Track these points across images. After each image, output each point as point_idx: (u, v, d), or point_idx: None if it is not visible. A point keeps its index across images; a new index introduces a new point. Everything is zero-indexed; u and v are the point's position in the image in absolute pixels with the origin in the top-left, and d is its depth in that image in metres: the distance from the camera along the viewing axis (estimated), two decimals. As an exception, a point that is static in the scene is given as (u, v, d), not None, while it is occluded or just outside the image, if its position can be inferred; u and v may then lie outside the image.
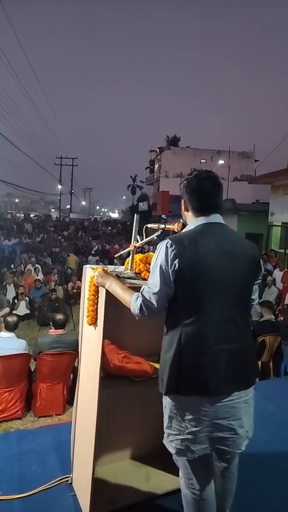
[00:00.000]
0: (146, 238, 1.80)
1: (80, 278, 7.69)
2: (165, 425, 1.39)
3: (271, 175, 11.91)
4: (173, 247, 1.29)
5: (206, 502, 1.42)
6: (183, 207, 1.48)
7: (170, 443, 1.38)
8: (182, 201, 1.47)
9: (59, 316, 3.90)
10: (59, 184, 41.41)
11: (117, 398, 2.00)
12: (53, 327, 3.85)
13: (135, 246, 1.78)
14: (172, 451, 1.39)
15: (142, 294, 1.36)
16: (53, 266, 10.16)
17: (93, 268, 1.75)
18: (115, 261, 6.75)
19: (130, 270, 1.78)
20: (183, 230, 1.48)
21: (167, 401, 1.38)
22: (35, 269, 9.43)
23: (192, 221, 1.45)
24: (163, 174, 30.33)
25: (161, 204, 23.31)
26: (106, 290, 1.58)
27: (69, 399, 3.66)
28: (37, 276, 9.05)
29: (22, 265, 9.86)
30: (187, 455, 1.34)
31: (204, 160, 29.74)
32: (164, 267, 1.30)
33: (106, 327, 1.64)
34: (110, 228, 27.71)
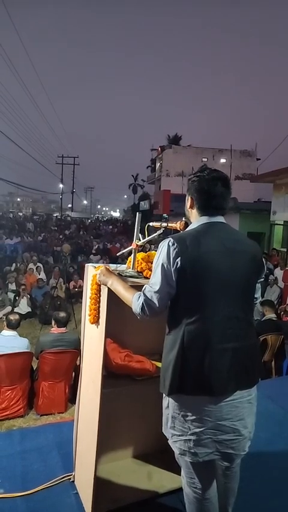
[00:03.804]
0: (148, 236, 1.80)
1: (81, 277, 7.70)
2: (168, 426, 1.38)
3: (273, 174, 11.87)
4: (175, 246, 1.29)
5: (208, 501, 1.42)
6: (188, 204, 1.46)
7: (174, 444, 1.37)
8: (188, 197, 1.45)
9: (62, 314, 3.90)
10: (60, 184, 41.42)
11: (119, 396, 2.00)
12: (55, 325, 3.85)
13: (137, 245, 1.78)
14: (176, 451, 1.38)
15: (144, 293, 1.35)
16: (54, 265, 10.18)
17: (95, 267, 1.75)
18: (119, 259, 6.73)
19: (132, 269, 1.78)
20: (186, 229, 1.48)
21: (169, 402, 1.37)
22: (36, 268, 9.44)
23: (195, 220, 1.44)
24: (164, 173, 30.27)
25: (162, 203, 23.28)
26: (108, 289, 1.58)
27: (71, 397, 3.66)
28: (39, 274, 9.06)
29: (24, 264, 9.88)
30: (191, 457, 1.33)
31: (205, 159, 29.65)
32: (165, 266, 1.30)
33: (108, 325, 1.64)
34: (111, 227, 27.71)
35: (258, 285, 1.48)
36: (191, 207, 1.45)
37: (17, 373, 3.54)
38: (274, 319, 4.46)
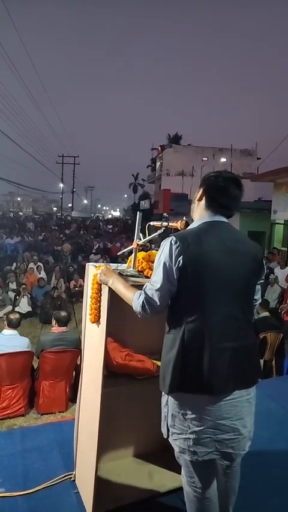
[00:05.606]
0: (148, 236, 1.80)
1: (82, 276, 7.72)
2: (168, 423, 1.38)
3: (274, 173, 11.86)
4: (177, 244, 1.29)
5: (209, 500, 1.42)
6: (198, 196, 1.46)
7: (174, 442, 1.38)
8: (200, 189, 1.45)
9: (63, 313, 3.90)
10: (60, 183, 41.39)
11: (120, 396, 2.00)
12: (55, 325, 3.86)
13: (138, 244, 1.78)
14: (176, 449, 1.38)
15: (145, 291, 1.36)
16: (54, 264, 10.19)
17: (96, 266, 1.75)
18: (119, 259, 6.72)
19: (133, 268, 1.78)
20: (188, 228, 1.48)
21: (168, 400, 1.37)
22: (37, 267, 9.45)
23: (198, 215, 1.45)
24: (165, 172, 30.26)
25: (162, 202, 23.26)
26: (109, 288, 1.58)
27: (72, 397, 3.67)
28: (39, 274, 9.07)
29: (24, 264, 9.90)
30: (190, 455, 1.33)
31: (206, 158, 29.63)
32: (167, 264, 1.30)
33: (109, 325, 1.64)
34: (111, 226, 27.72)
35: (258, 287, 1.48)
36: (200, 199, 1.45)
37: (17, 372, 3.54)
38: (268, 316, 4.51)
